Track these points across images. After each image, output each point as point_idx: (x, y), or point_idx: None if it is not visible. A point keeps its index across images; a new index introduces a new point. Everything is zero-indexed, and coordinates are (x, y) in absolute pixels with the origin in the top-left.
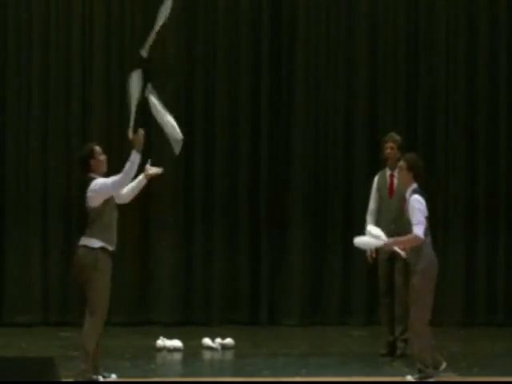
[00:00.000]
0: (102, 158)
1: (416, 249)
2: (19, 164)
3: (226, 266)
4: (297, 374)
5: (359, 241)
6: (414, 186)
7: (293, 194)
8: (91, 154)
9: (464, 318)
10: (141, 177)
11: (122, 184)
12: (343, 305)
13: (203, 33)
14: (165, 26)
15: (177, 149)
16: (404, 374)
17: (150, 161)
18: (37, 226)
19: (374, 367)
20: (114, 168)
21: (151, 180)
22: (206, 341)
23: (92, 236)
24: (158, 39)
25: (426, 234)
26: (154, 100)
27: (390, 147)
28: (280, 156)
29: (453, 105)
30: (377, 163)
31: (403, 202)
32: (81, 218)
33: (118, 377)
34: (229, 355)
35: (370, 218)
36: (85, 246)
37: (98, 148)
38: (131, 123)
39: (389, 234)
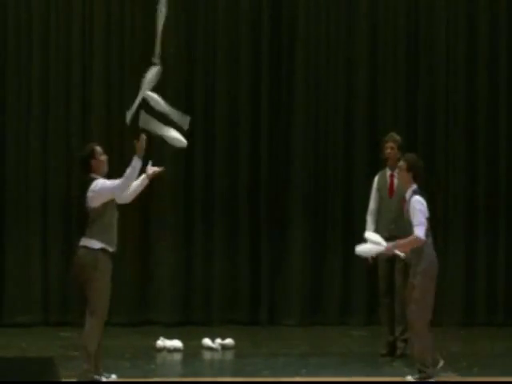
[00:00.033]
0: (103, 158)
1: (417, 249)
2: (19, 164)
3: (226, 266)
4: (297, 374)
5: (361, 249)
6: (414, 186)
7: (293, 194)
8: (92, 155)
9: (464, 318)
10: (143, 177)
11: (121, 189)
12: (343, 305)
13: (203, 33)
14: (165, 26)
15: (185, 125)
16: (404, 374)
17: (150, 162)
18: (37, 226)
19: (373, 367)
20: (114, 168)
21: (151, 180)
22: (206, 341)
23: (92, 237)
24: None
25: (426, 234)
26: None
27: (390, 147)
28: (280, 156)
29: (453, 105)
30: (377, 163)
31: (403, 203)
32: (81, 218)
33: (118, 377)
34: (229, 355)
35: (370, 218)
36: (85, 247)
37: (98, 148)
38: (134, 108)
39: (389, 233)
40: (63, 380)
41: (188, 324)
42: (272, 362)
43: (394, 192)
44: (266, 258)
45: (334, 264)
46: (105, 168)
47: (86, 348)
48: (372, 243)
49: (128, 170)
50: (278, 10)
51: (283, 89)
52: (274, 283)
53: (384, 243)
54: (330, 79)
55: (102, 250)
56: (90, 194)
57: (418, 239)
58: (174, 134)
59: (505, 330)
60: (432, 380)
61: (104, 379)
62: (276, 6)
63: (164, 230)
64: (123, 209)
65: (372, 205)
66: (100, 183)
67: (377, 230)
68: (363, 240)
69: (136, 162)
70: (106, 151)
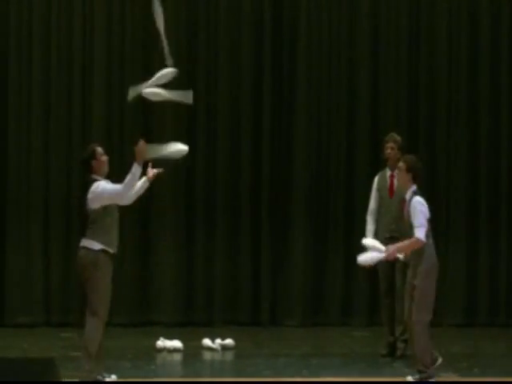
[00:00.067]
0: (104, 158)
1: (418, 250)
2: (20, 164)
3: (228, 266)
4: (298, 375)
5: (362, 258)
6: (414, 187)
7: (294, 194)
8: (93, 155)
9: (465, 319)
10: (144, 180)
11: (121, 195)
12: (345, 305)
13: (205, 33)
14: (165, 26)
15: (189, 100)
16: (404, 375)
17: (150, 164)
18: (38, 227)
19: (374, 368)
20: (114, 168)
21: (152, 180)
22: (206, 341)
23: (92, 238)
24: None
25: (427, 235)
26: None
27: (390, 147)
28: (281, 156)
29: (455, 105)
30: (378, 163)
31: (403, 203)
32: (81, 219)
33: (119, 377)
34: (229, 356)
35: (369, 217)
36: (85, 248)
37: (99, 149)
38: (138, 89)
39: (390, 234)
40: (64, 380)
41: (189, 324)
42: (273, 362)
43: (394, 192)
44: (267, 258)
45: (335, 264)
46: (106, 168)
47: (87, 349)
48: (371, 250)
49: (128, 177)
50: (280, 10)
51: (285, 89)
52: (275, 283)
53: (382, 248)
54: (332, 79)
55: (103, 251)
56: (90, 195)
57: (418, 241)
58: (173, 148)
59: (506, 330)
60: (432, 380)
61: (107, 379)
62: (278, 6)
63: (165, 230)
64: (124, 209)
65: (372, 204)
66: (101, 186)
67: (378, 230)
68: (363, 247)
69: (136, 169)
70: (106, 151)
